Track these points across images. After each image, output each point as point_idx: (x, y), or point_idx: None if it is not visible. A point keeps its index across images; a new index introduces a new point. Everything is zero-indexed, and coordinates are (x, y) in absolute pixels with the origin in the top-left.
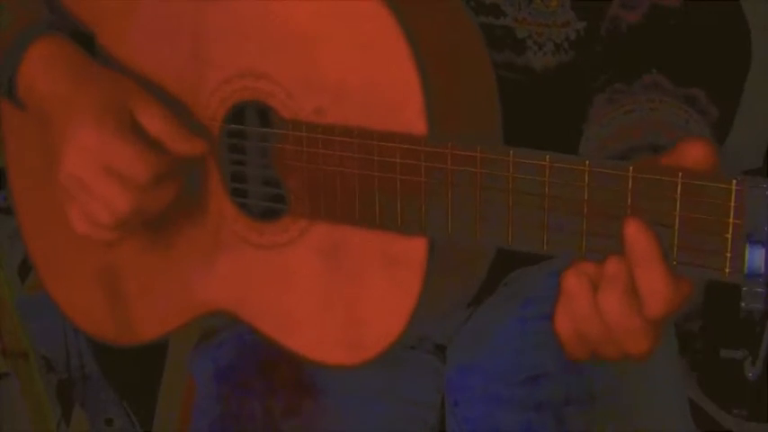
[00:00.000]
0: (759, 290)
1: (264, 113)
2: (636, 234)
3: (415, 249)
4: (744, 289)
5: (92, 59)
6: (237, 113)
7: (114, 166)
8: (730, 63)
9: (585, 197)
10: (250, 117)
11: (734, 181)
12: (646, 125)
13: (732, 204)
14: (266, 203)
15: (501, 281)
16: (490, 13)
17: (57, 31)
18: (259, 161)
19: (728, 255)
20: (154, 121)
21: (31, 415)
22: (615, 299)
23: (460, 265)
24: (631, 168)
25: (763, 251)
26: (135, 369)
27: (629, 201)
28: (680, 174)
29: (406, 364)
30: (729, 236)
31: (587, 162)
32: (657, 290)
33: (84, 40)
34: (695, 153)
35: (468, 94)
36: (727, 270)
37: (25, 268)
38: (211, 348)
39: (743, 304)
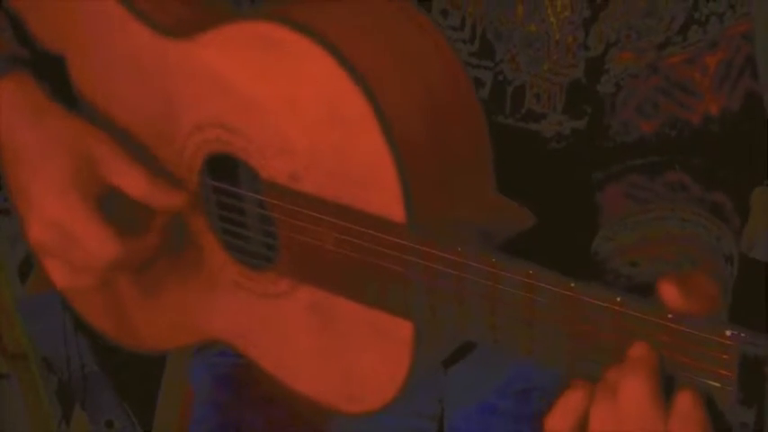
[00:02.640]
0: None
1: (244, 167)
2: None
3: (402, 326)
4: None
5: (56, 104)
6: (218, 160)
7: (78, 242)
8: (751, 177)
9: (568, 321)
10: (228, 169)
11: (727, 332)
12: (679, 244)
13: (723, 357)
14: (254, 254)
15: None
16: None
17: (22, 69)
18: (243, 215)
19: (722, 404)
20: (127, 180)
21: (32, 416)
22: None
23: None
24: (618, 300)
25: (753, 414)
26: (135, 370)
27: (615, 333)
28: (669, 315)
29: None
30: (721, 385)
31: (572, 285)
32: None
33: (56, 66)
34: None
35: (455, 166)
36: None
37: (25, 269)
38: (211, 356)
39: None
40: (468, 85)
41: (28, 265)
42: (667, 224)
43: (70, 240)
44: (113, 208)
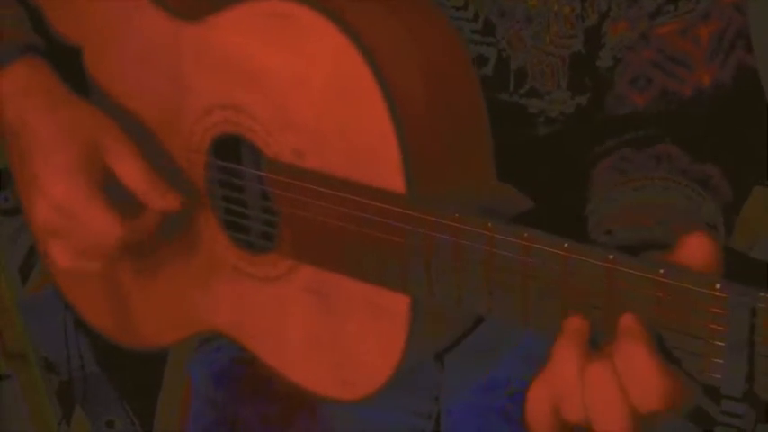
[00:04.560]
0: (737, 409)
1: (249, 148)
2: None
3: (399, 302)
4: (723, 401)
5: (68, 90)
6: (223, 144)
7: (82, 226)
8: (748, 145)
9: (562, 281)
10: (235, 151)
11: (717, 285)
12: (656, 210)
13: (714, 310)
14: (256, 237)
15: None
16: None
17: (35, 54)
18: (246, 196)
19: (712, 360)
20: (129, 175)
21: (32, 416)
22: (606, 375)
23: (448, 313)
24: (611, 257)
25: (743, 367)
26: (136, 370)
27: (608, 291)
28: (661, 270)
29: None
30: (711, 341)
31: (565, 245)
32: (645, 378)
33: (70, 57)
34: (696, 252)
35: (455, 145)
36: (706, 373)
37: (26, 269)
38: (209, 352)
39: (720, 418)
40: (471, 71)
41: (28, 265)
42: (647, 192)
43: (75, 224)
44: (119, 189)
